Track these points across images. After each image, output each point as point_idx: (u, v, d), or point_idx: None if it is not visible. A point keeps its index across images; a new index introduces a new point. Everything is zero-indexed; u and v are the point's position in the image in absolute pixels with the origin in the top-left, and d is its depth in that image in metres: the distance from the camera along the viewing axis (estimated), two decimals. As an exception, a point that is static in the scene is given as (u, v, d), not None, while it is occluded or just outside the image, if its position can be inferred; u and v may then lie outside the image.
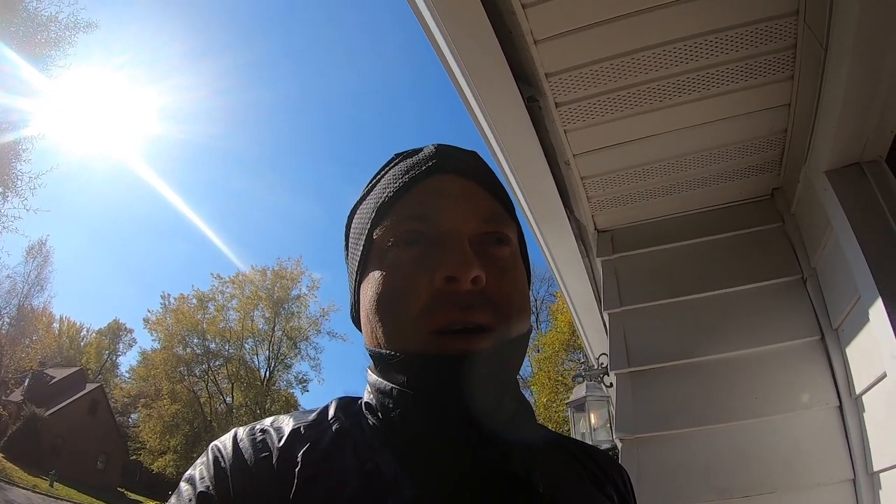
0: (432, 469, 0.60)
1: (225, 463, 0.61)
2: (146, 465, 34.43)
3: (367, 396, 0.70)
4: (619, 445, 1.86)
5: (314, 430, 0.65)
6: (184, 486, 0.61)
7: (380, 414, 0.66)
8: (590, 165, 1.97)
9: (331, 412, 0.69)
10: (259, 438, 0.64)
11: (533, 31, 1.53)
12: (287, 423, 0.66)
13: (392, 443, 0.63)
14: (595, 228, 2.30)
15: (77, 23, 22.84)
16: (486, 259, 0.66)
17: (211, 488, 0.59)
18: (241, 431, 0.66)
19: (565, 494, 0.69)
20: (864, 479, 1.56)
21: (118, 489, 33.68)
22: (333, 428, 0.66)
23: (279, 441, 0.63)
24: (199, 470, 0.62)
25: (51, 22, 21.94)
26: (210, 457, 0.63)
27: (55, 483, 27.07)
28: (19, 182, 22.53)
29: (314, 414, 0.69)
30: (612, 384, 2.60)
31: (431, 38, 1.63)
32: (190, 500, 0.59)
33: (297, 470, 0.59)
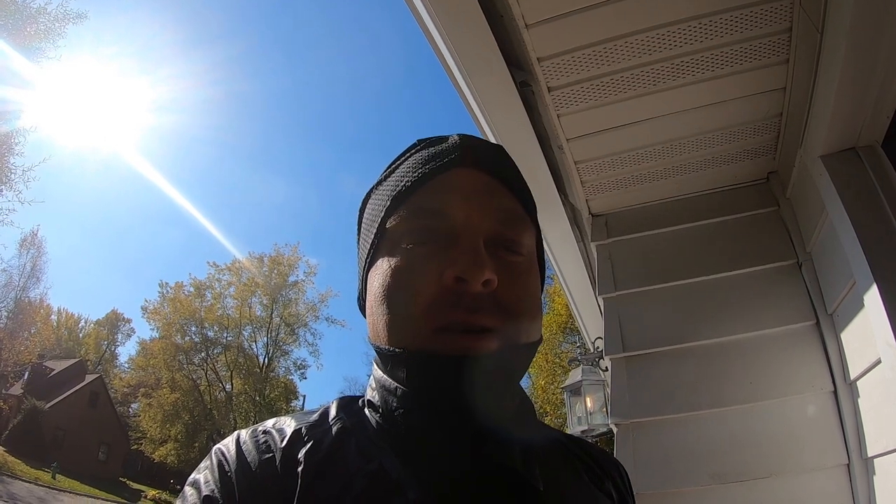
0: (435, 469, 0.60)
1: (229, 466, 0.61)
2: (147, 454, 34.53)
3: (369, 393, 0.70)
4: (615, 430, 1.86)
5: (317, 431, 0.65)
6: (188, 490, 0.61)
7: (382, 411, 0.66)
8: (583, 150, 1.95)
9: (332, 412, 0.68)
10: (262, 440, 0.64)
11: (524, 16, 1.51)
12: (289, 424, 0.66)
13: (395, 441, 0.63)
14: (589, 213, 2.29)
15: (67, 14, 22.53)
16: (499, 261, 0.64)
17: (216, 491, 0.59)
18: (244, 434, 0.65)
19: (566, 492, 0.68)
20: (858, 465, 1.57)
21: (120, 479, 33.84)
22: (335, 428, 0.65)
23: (282, 442, 0.63)
24: (204, 474, 0.62)
25: (40, 14, 21.62)
26: (214, 460, 0.63)
27: (57, 475, 27.20)
28: (13, 175, 22.35)
29: (316, 414, 0.68)
30: (607, 368, 2.61)
31: (422, 23, 1.61)
32: None
33: (300, 470, 0.59)
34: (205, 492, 0.59)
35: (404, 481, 0.58)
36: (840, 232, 1.53)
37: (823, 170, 1.58)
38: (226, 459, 0.62)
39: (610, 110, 1.78)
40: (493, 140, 1.90)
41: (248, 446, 0.63)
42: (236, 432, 0.66)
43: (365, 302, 0.72)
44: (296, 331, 36.47)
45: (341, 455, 0.61)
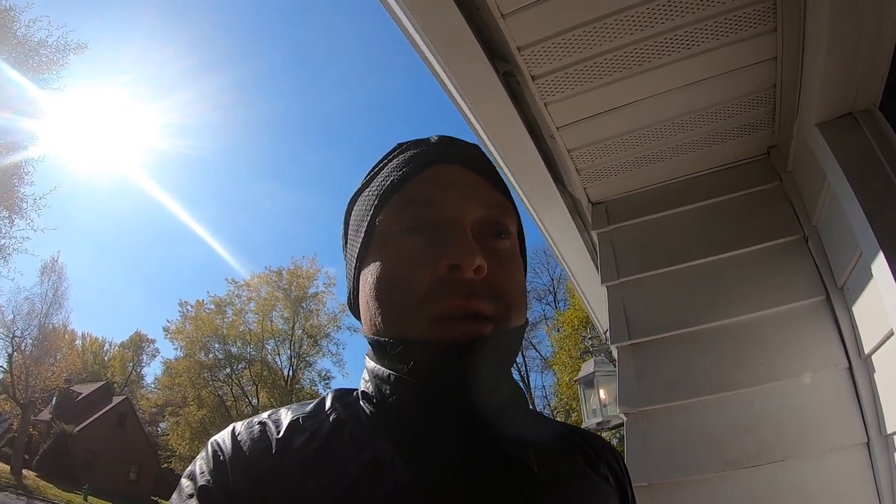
0: (428, 455, 0.61)
1: (224, 456, 0.62)
2: (178, 472, 34.81)
3: (363, 385, 0.71)
4: (624, 419, 1.81)
5: (312, 421, 0.66)
6: (184, 481, 0.62)
7: (376, 400, 0.67)
8: (575, 137, 1.91)
9: (327, 403, 0.70)
10: (257, 431, 0.65)
11: (499, 5, 1.48)
12: (285, 416, 0.67)
13: (389, 430, 0.64)
14: (588, 201, 2.24)
15: (67, 44, 22.95)
16: (487, 249, 0.66)
17: (211, 482, 0.60)
18: (239, 425, 0.66)
19: (560, 475, 0.69)
20: (877, 442, 1.50)
21: (152, 498, 34.20)
22: (331, 418, 0.66)
23: (278, 433, 0.64)
24: (199, 465, 0.63)
25: (41, 46, 22.02)
26: (209, 451, 0.64)
27: (89, 497, 27.54)
28: (24, 205, 22.73)
29: (311, 406, 0.70)
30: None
31: (400, 24, 1.59)
32: (191, 496, 0.60)
33: (295, 460, 0.60)
34: (200, 482, 0.60)
35: (397, 467, 0.59)
36: (843, 201, 1.48)
37: (821, 138, 1.53)
38: (221, 450, 0.63)
39: (597, 94, 1.74)
40: (482, 133, 1.88)
41: (243, 437, 0.64)
42: (231, 425, 0.67)
43: (357, 301, 0.75)
44: (319, 342, 36.46)
45: (336, 444, 0.62)
